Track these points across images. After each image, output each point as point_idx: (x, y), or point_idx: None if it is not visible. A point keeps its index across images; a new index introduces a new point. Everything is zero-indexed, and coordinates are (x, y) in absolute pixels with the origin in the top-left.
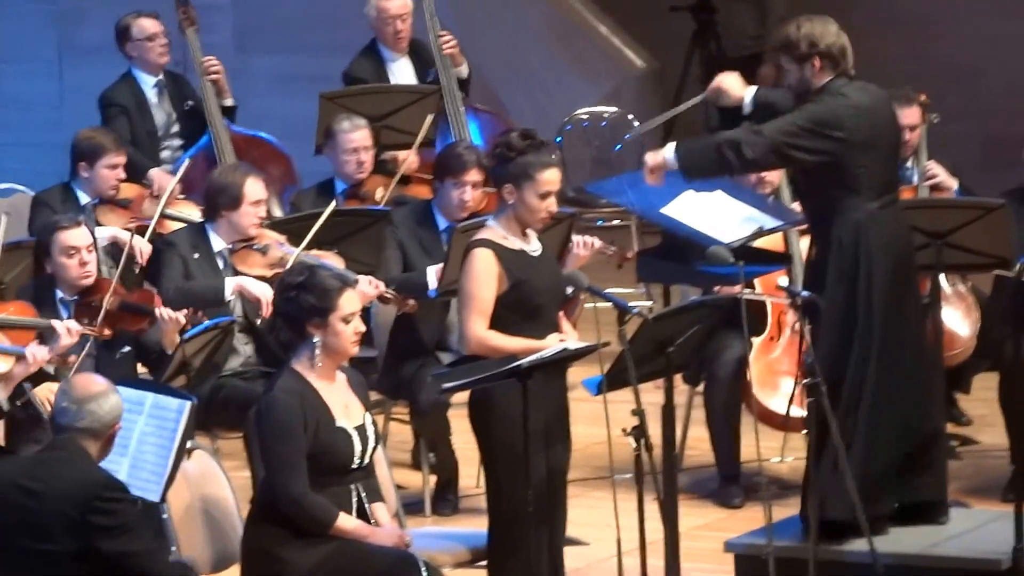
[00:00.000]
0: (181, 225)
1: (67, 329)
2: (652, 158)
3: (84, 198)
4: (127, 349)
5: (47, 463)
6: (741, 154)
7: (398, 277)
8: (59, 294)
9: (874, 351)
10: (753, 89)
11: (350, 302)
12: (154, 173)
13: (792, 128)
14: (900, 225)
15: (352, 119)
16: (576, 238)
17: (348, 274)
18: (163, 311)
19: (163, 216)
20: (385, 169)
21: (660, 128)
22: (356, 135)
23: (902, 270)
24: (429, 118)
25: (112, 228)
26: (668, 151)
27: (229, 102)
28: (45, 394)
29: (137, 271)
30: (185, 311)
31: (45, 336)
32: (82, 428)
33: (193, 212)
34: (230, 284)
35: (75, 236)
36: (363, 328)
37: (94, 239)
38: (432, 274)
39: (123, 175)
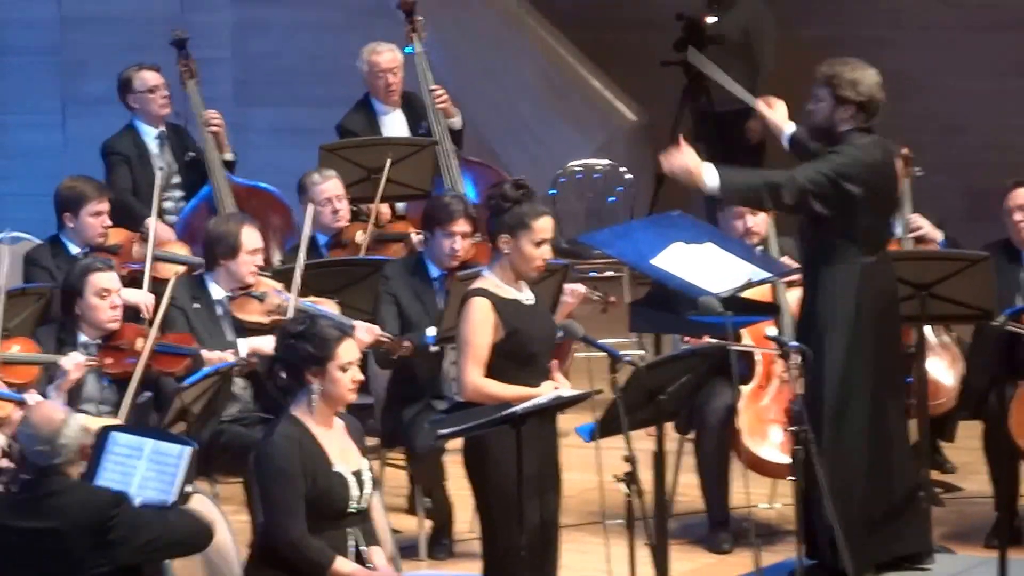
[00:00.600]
0: (175, 267)
1: (74, 364)
2: (690, 171)
3: (74, 249)
4: (148, 394)
5: (51, 501)
6: (779, 197)
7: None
8: (82, 337)
9: (866, 399)
10: (792, 126)
11: (348, 351)
12: (151, 223)
13: (819, 178)
14: (891, 278)
15: (321, 171)
16: (564, 286)
17: (345, 321)
18: (210, 354)
19: (156, 259)
20: (359, 218)
21: (650, 178)
22: (327, 185)
23: (891, 322)
24: (388, 161)
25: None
26: (710, 179)
27: (229, 156)
28: None
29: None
30: (232, 351)
31: (52, 372)
32: (62, 463)
33: (183, 251)
34: (243, 346)
35: (107, 279)
36: (361, 377)
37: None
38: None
39: (109, 221)
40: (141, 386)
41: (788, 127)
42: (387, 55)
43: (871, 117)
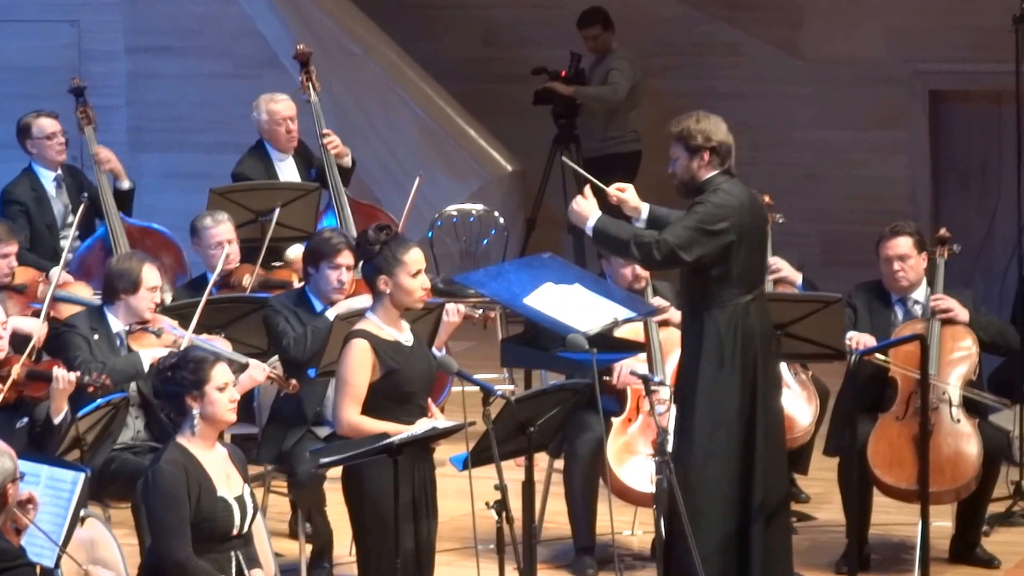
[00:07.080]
0: (76, 308)
1: None
2: (580, 214)
3: None
4: (25, 420)
5: None
6: (649, 255)
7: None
8: None
9: (743, 432)
10: (647, 207)
11: (222, 373)
12: (55, 273)
13: (685, 233)
14: (765, 315)
15: (214, 215)
16: (446, 306)
17: (240, 358)
18: (59, 371)
19: (59, 299)
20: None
21: (523, 222)
22: (219, 229)
23: (769, 356)
24: (277, 210)
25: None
26: (592, 219)
27: (127, 185)
28: None
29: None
30: (76, 374)
31: None
32: None
33: (85, 291)
34: (146, 357)
35: None
36: (237, 396)
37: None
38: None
39: (15, 263)
40: (18, 413)
41: (644, 208)
42: (284, 104)
43: (726, 159)
